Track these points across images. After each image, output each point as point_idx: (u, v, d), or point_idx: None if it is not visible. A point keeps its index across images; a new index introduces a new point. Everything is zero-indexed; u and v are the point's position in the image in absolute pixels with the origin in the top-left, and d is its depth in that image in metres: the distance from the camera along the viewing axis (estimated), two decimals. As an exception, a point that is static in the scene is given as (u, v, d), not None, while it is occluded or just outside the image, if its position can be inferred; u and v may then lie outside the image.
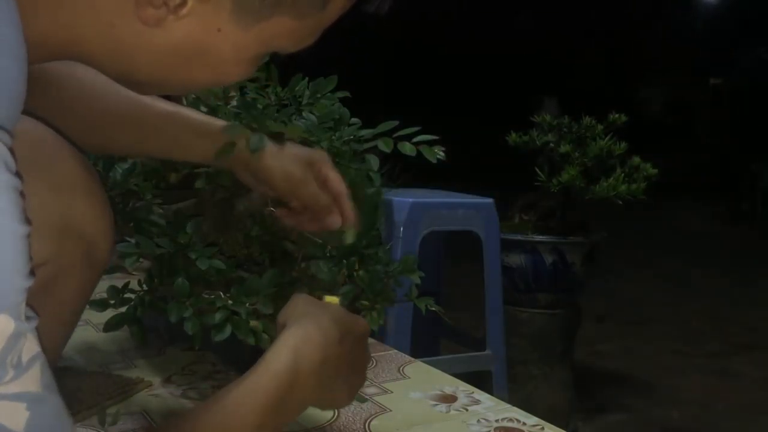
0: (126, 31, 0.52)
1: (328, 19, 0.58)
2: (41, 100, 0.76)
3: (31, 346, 0.42)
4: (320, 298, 0.76)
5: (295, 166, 0.84)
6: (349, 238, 0.90)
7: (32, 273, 0.44)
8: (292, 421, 0.67)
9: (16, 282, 0.42)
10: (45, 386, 0.43)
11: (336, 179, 0.85)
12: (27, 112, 0.63)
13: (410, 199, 2.14)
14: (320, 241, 0.99)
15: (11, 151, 0.44)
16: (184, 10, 0.52)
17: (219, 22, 0.53)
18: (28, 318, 0.43)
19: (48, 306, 0.63)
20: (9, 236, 0.41)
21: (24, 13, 0.47)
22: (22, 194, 0.44)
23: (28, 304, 0.43)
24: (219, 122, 0.84)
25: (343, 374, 0.69)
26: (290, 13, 0.54)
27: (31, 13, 0.49)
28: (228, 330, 0.87)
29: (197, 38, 0.54)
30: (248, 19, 0.53)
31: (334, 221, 0.87)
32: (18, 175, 0.44)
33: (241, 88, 1.08)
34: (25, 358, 0.41)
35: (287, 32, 0.56)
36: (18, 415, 0.40)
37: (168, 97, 0.86)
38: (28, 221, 0.44)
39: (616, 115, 2.95)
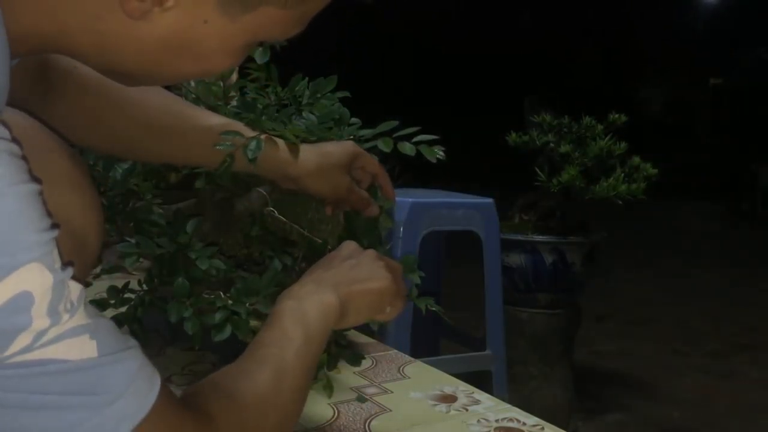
0: (111, 23, 0.52)
1: (315, 8, 0.58)
2: (71, 105, 0.77)
3: (74, 288, 0.44)
4: None
5: (339, 178, 0.91)
6: (386, 222, 0.99)
7: (56, 226, 0.45)
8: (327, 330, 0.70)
9: (34, 237, 0.42)
10: (93, 315, 0.45)
11: (371, 162, 0.94)
12: (13, 104, 0.63)
13: (410, 199, 2.14)
14: (320, 241, 0.99)
15: (4, 123, 0.44)
16: (170, 2, 0.51)
17: (205, 14, 0.53)
18: (64, 267, 0.44)
19: None
20: (13, 197, 0.42)
21: (8, 6, 0.47)
22: (24, 158, 0.45)
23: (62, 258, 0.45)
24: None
25: (361, 280, 0.74)
26: (276, 2, 0.54)
27: (15, 6, 0.49)
28: (228, 330, 0.87)
29: (183, 30, 0.53)
30: (234, 9, 0.53)
31: (373, 210, 0.96)
32: (15, 141, 0.44)
33: (241, 88, 1.08)
34: (74, 300, 0.44)
35: (274, 21, 0.56)
36: (87, 345, 0.43)
37: (169, 88, 0.87)
38: (36, 180, 0.45)
39: (616, 115, 2.95)
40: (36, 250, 0.42)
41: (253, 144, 0.82)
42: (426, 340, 2.58)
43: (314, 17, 0.60)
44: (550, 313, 2.88)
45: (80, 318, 0.43)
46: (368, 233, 1.00)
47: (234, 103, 1.06)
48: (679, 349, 4.04)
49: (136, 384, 0.46)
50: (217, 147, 0.82)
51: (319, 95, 1.04)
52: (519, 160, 2.97)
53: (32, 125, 0.66)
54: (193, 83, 1.08)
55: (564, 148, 2.76)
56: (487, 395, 1.10)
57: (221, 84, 1.07)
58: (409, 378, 1.18)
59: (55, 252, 0.44)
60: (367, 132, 0.98)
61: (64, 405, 0.42)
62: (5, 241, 0.41)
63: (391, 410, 1.04)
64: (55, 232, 0.44)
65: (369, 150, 0.96)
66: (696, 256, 6.63)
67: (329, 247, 0.99)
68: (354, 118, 1.03)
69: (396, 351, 1.32)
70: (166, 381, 1.16)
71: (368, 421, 0.99)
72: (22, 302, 0.40)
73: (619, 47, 13.62)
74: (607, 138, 2.79)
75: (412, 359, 1.28)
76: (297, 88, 1.05)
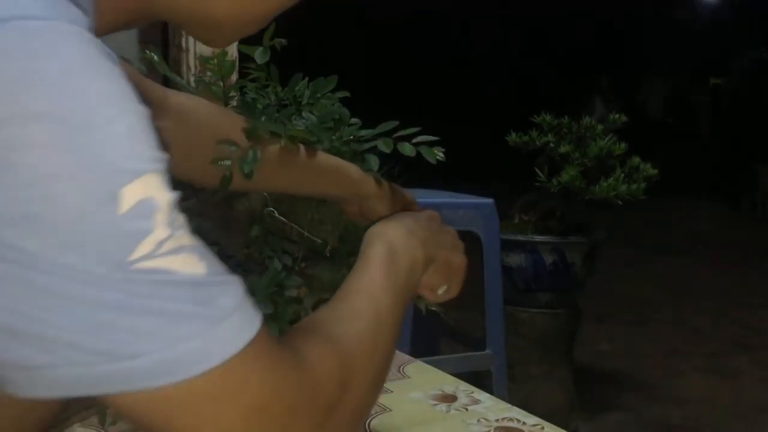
0: None
1: None
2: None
3: (180, 214, 0.44)
4: None
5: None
6: None
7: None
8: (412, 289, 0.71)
9: (154, 152, 0.42)
10: (198, 241, 0.44)
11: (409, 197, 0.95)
12: None
13: (410, 199, 2.14)
14: (320, 241, 0.99)
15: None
16: None
17: None
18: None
19: None
20: (137, 113, 0.42)
21: None
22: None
23: None
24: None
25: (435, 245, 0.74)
26: None
27: None
28: (228, 330, 0.86)
29: None
30: None
31: None
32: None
33: (241, 88, 1.08)
34: (182, 223, 0.43)
35: None
36: (198, 263, 0.42)
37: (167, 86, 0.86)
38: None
39: (616, 115, 2.96)
40: (156, 164, 0.41)
41: (249, 156, 0.80)
42: (426, 339, 2.58)
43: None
44: (550, 313, 2.88)
45: (190, 239, 0.43)
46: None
47: (234, 103, 1.06)
48: (679, 349, 4.04)
49: (243, 309, 0.45)
50: (219, 164, 0.81)
51: (319, 95, 1.04)
52: (519, 160, 2.98)
53: None
54: (193, 83, 1.08)
55: (564, 148, 2.77)
56: (487, 395, 1.10)
57: (221, 84, 1.07)
58: (409, 378, 1.18)
59: (167, 175, 0.43)
60: (367, 132, 0.98)
61: (181, 314, 0.41)
62: (131, 149, 0.40)
63: (391, 410, 1.04)
64: (167, 156, 0.44)
65: (369, 150, 0.96)
66: (696, 256, 6.63)
67: (329, 247, 0.99)
68: (354, 118, 1.03)
69: (396, 351, 1.32)
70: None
71: (368, 421, 0.99)
72: (147, 208, 0.40)
73: (619, 47, 13.62)
74: (607, 138, 2.79)
75: (412, 359, 1.28)
76: (297, 88, 1.05)
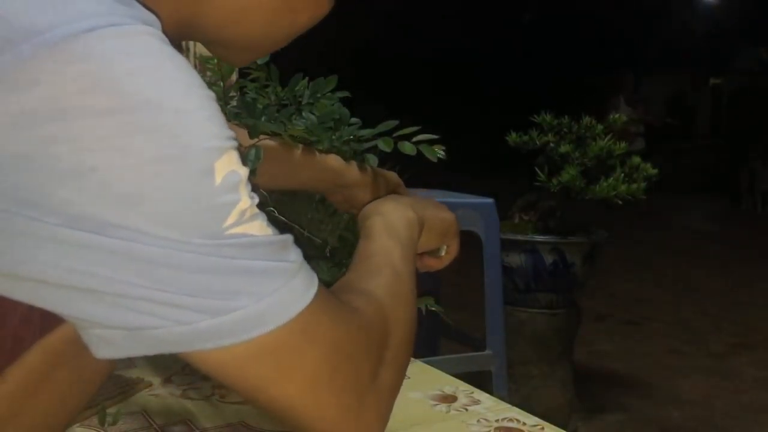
0: None
1: None
2: None
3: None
4: None
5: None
6: None
7: None
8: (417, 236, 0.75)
9: (230, 132, 0.46)
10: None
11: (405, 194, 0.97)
12: None
13: (410, 199, 2.14)
14: (320, 240, 0.99)
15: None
16: None
17: None
18: None
19: None
20: (213, 100, 0.45)
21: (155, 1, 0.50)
22: None
23: None
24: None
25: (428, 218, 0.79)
26: None
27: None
28: (228, 330, 0.86)
29: None
30: None
31: None
32: None
33: (241, 88, 1.08)
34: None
35: None
36: (266, 226, 0.46)
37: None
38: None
39: (616, 115, 2.96)
40: (232, 142, 0.45)
41: (251, 154, 0.80)
42: (426, 340, 2.58)
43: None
44: (550, 313, 2.88)
45: (256, 207, 0.47)
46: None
47: (234, 103, 1.06)
48: (679, 349, 4.04)
49: (305, 263, 0.49)
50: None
51: (319, 95, 1.04)
52: (519, 160, 2.97)
53: None
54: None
55: (564, 148, 2.76)
56: (487, 395, 1.10)
57: (221, 84, 1.07)
58: (409, 378, 1.18)
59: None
60: (367, 132, 0.98)
61: (265, 271, 0.45)
62: (215, 129, 0.44)
63: (391, 410, 1.03)
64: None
65: (369, 150, 0.96)
66: (696, 256, 6.63)
67: (329, 247, 0.99)
68: (354, 117, 1.02)
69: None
70: (166, 381, 1.16)
71: (368, 421, 0.99)
72: (233, 181, 0.44)
73: (619, 47, 13.62)
74: (607, 138, 2.79)
75: (412, 359, 1.28)
76: (297, 88, 1.05)
